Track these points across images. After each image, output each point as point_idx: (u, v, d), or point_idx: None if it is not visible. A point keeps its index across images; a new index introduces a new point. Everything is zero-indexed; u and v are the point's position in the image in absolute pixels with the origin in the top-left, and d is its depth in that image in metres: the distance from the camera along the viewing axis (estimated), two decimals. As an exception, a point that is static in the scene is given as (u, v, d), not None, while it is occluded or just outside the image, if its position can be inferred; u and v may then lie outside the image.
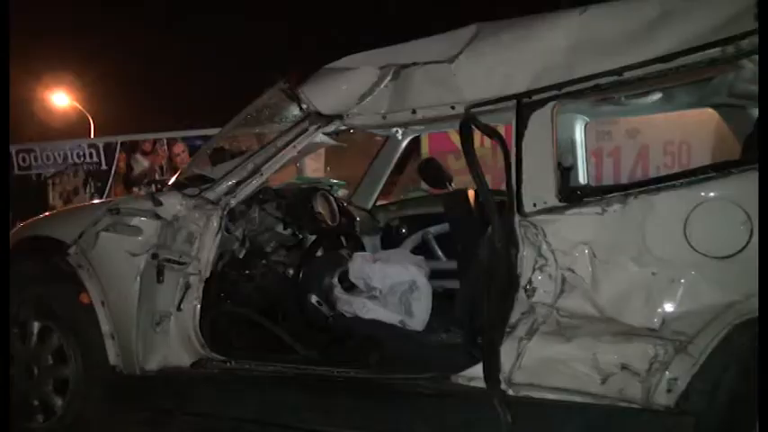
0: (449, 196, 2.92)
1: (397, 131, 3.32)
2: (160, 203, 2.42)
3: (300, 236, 2.80)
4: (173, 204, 2.44)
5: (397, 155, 3.54)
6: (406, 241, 3.33)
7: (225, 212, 2.47)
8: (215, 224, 2.43)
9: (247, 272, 2.59)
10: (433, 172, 3.03)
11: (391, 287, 2.30)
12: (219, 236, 2.45)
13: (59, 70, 23.34)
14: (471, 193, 2.80)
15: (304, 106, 2.57)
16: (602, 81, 2.01)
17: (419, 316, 2.26)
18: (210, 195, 2.49)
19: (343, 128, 2.70)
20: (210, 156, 2.71)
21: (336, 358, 2.26)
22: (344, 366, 2.17)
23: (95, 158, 9.96)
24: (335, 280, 2.41)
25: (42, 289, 2.56)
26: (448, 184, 3.04)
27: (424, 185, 3.72)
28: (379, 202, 3.60)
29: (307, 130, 2.55)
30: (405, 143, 3.49)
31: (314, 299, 2.39)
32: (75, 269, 2.42)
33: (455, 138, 6.41)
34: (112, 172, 9.87)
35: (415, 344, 2.22)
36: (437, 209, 3.29)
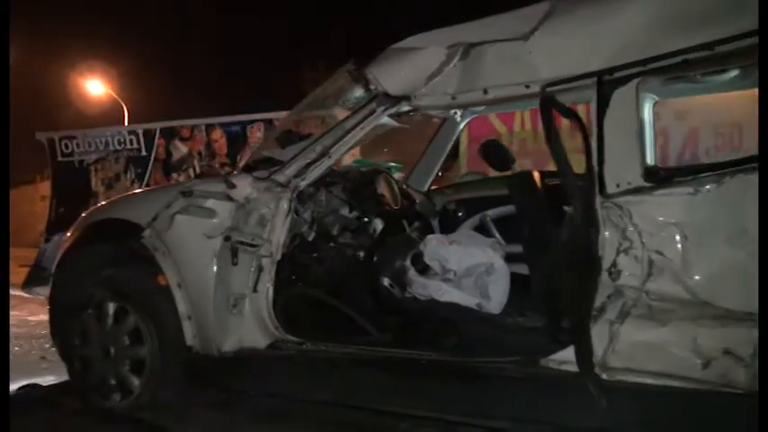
0: (514, 178, 2.85)
1: (456, 113, 3.26)
2: (233, 186, 2.40)
3: (365, 219, 2.77)
4: (244, 187, 2.43)
5: (455, 137, 3.48)
6: (463, 225, 3.28)
7: (294, 195, 2.45)
8: (285, 206, 2.41)
9: (317, 254, 2.58)
10: (496, 154, 2.96)
11: (467, 269, 2.25)
12: (289, 218, 2.43)
13: (95, 59, 23.64)
14: (537, 175, 2.73)
15: (372, 87, 2.52)
16: (692, 56, 1.93)
17: (496, 299, 2.21)
18: (280, 178, 2.47)
19: (410, 109, 2.65)
20: (279, 138, 2.69)
21: (412, 341, 2.23)
22: (422, 349, 2.14)
23: (135, 145, 10.06)
24: (408, 262, 2.38)
25: (117, 271, 2.57)
26: (511, 165, 2.98)
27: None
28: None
29: (374, 111, 2.50)
30: (463, 125, 3.43)
31: (386, 281, 2.36)
32: (151, 251, 2.42)
33: (496, 123, 6.31)
34: (152, 158, 9.97)
35: (494, 327, 2.17)
36: (495, 192, 3.23)
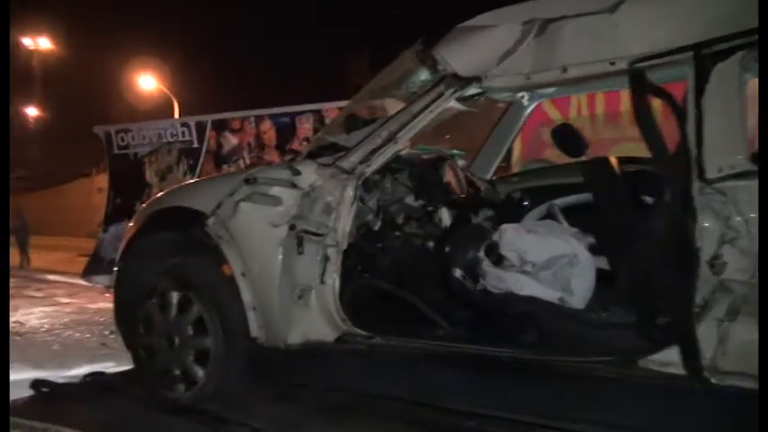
0: (591, 165, 2.67)
1: (523, 96, 3.09)
2: (298, 172, 2.31)
3: (430, 207, 2.64)
4: (309, 174, 2.34)
5: (521, 122, 3.31)
6: (528, 214, 3.11)
7: (360, 182, 2.35)
8: (350, 194, 2.31)
9: (383, 244, 2.47)
10: (570, 138, 2.78)
11: (548, 261, 2.10)
12: (355, 206, 2.33)
13: (146, 55, 24.24)
14: (614, 161, 2.55)
15: (440, 68, 2.39)
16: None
17: (580, 293, 2.05)
18: (345, 164, 2.36)
19: (479, 91, 2.51)
20: (344, 123, 2.58)
21: (487, 336, 2.09)
22: (498, 345, 2.01)
23: (187, 137, 10.21)
24: (482, 253, 2.24)
25: (181, 259, 2.52)
26: (585, 151, 2.79)
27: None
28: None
29: (442, 94, 2.37)
30: (530, 109, 3.25)
31: (458, 273, 2.23)
32: (215, 240, 2.36)
33: (550, 111, 6.05)
34: (203, 150, 10.09)
35: (578, 323, 2.01)
36: (563, 180, 3.05)
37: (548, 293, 2.05)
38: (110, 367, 6.89)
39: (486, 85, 2.38)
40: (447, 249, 2.27)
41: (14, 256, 17.46)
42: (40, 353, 7.73)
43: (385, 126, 2.38)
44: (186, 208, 2.51)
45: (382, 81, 2.65)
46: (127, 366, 6.83)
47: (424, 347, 2.08)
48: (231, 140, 9.95)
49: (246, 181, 2.34)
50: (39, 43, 42.63)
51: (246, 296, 2.31)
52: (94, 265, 10.53)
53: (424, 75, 2.58)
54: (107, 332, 8.91)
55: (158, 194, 2.85)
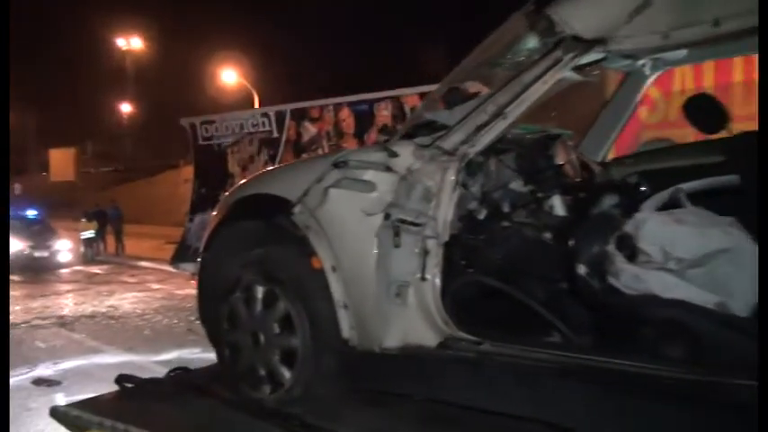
0: (736, 141, 2.22)
1: (644, 64, 2.64)
2: (395, 154, 2.03)
3: (540, 193, 2.29)
4: (406, 156, 2.05)
5: (641, 94, 2.86)
6: (647, 201, 2.68)
7: (462, 165, 2.04)
8: (452, 178, 2.01)
9: (489, 236, 2.15)
10: (708, 111, 2.33)
11: (702, 257, 1.70)
12: (457, 192, 2.03)
13: (228, 50, 24.90)
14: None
15: (558, 30, 2.02)
16: None
17: (743, 297, 1.65)
18: (446, 144, 2.06)
19: (601, 57, 2.12)
20: (444, 98, 2.27)
21: (621, 348, 1.73)
22: (636, 359, 1.65)
23: (267, 127, 10.25)
24: (613, 247, 1.87)
25: (266, 251, 2.31)
26: (726, 126, 2.33)
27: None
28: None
29: (560, 60, 2.00)
30: (651, 80, 2.81)
31: (583, 270, 1.88)
32: (302, 230, 2.13)
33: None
34: (283, 139, 10.11)
35: (742, 335, 1.62)
36: (690, 161, 2.59)
37: (701, 296, 1.66)
38: (196, 353, 7.00)
39: (612, 48, 2.00)
40: (571, 242, 1.92)
41: (111, 244, 18.50)
42: (133, 337, 8.01)
43: (492, 99, 2.05)
44: (271, 195, 2.29)
45: (486, 50, 2.32)
46: (212, 354, 6.87)
47: (544, 358, 1.75)
48: (310, 129, 9.88)
49: (336, 165, 2.09)
50: (131, 43, 45.05)
51: (337, 293, 2.06)
52: (182, 253, 10.85)
53: (534, 41, 2.22)
54: (193, 318, 9.13)
55: (241, 182, 2.66)
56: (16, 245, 14.61)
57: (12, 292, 11.32)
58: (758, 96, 1.56)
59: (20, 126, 50.58)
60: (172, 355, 6.71)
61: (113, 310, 9.58)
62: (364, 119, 9.41)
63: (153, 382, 2.58)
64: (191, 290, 11.65)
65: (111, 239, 18.28)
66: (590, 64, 2.21)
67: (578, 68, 2.17)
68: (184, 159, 36.30)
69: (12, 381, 5.75)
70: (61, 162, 49.73)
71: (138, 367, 6.21)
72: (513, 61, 2.30)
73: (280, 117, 10.18)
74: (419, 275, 1.97)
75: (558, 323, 1.85)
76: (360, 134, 9.40)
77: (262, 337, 2.26)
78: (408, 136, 2.16)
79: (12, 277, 13.41)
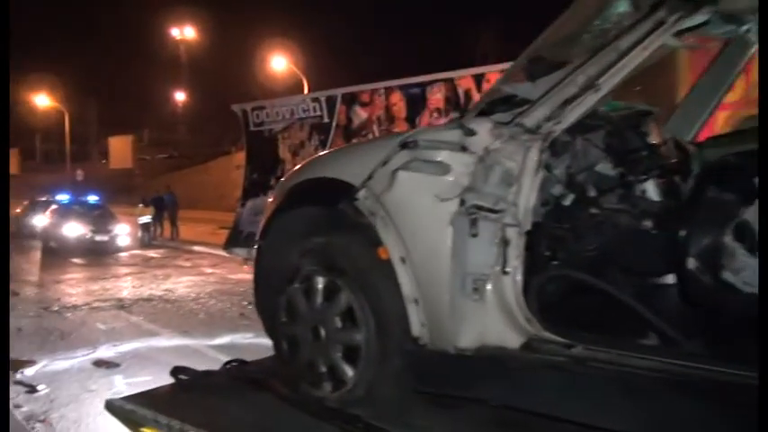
0: None
1: (749, 30, 2.32)
2: (472, 132, 1.80)
3: (632, 176, 2.02)
4: (484, 134, 1.82)
5: (741, 66, 2.53)
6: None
7: (547, 144, 1.79)
8: (535, 159, 1.77)
9: (575, 224, 1.91)
10: None
11: None
12: (540, 175, 1.79)
13: (279, 36, 24.99)
14: None
15: None
16: None
17: None
18: (528, 121, 1.82)
19: (707, 18, 1.83)
20: (526, 69, 2.01)
21: (743, 355, 1.47)
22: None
23: (318, 112, 10.14)
24: (730, 238, 1.60)
25: (327, 239, 2.13)
26: None
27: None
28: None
29: (663, 22, 1.73)
30: (754, 49, 2.47)
31: (693, 264, 1.61)
32: (367, 217, 1.94)
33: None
34: (333, 124, 9.99)
35: None
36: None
37: None
38: (249, 338, 6.99)
39: (726, 7, 1.71)
40: (681, 233, 1.65)
41: (166, 228, 18.97)
42: (188, 321, 8.10)
43: (582, 70, 1.79)
44: (332, 179, 2.11)
45: (571, 17, 2.05)
46: (266, 339, 6.83)
47: (650, 366, 1.50)
48: (361, 114, 9.71)
49: (404, 145, 1.88)
50: (185, 33, 45.99)
51: (406, 286, 1.86)
52: (234, 238, 10.93)
53: (626, 3, 1.95)
54: (246, 303, 9.18)
55: (299, 165, 2.48)
56: (78, 229, 15.14)
57: (73, 275, 11.71)
58: (759, 96, 1.47)
59: (82, 116, 52.64)
60: (225, 340, 6.72)
61: (169, 293, 9.73)
62: (416, 102, 9.16)
63: (209, 374, 2.46)
64: (243, 274, 11.78)
65: (166, 224, 18.72)
66: (691, 29, 1.92)
67: (678, 34, 1.88)
68: (236, 146, 36.97)
69: (73, 362, 5.88)
70: (120, 150, 51.53)
71: (193, 351, 6.24)
72: (601, 28, 2.03)
73: (330, 102, 10.05)
74: (499, 268, 1.75)
75: (664, 325, 1.60)
76: (411, 118, 9.16)
77: (322, 332, 2.09)
78: (485, 113, 1.93)
79: (74, 260, 13.90)
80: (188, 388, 2.29)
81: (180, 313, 8.26)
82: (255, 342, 6.86)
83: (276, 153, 10.63)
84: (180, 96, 49.11)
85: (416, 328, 1.86)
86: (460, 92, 8.73)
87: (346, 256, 2.05)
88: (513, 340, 1.73)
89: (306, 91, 21.11)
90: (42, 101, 44.36)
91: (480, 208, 1.78)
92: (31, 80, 45.05)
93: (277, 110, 10.59)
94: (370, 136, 9.58)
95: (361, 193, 1.96)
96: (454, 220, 1.77)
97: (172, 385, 2.36)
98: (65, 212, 16.19)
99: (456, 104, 8.74)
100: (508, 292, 1.74)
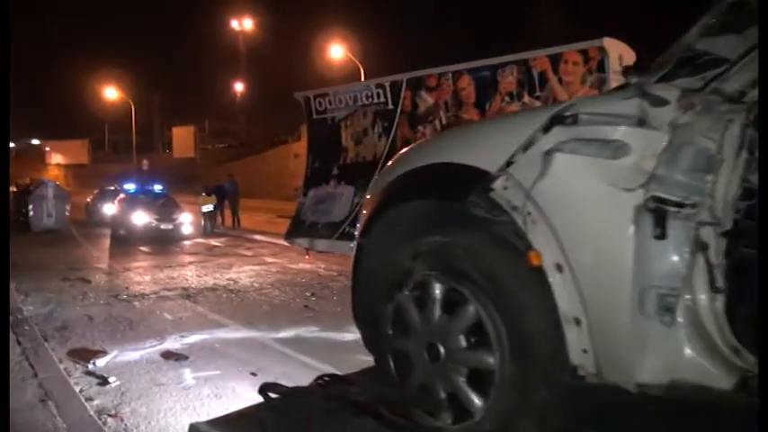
0: None
1: None
2: (661, 102, 1.37)
3: None
4: (670, 105, 1.38)
5: None
6: None
7: (752, 117, 1.34)
8: (737, 137, 1.32)
9: None
10: None
11: None
12: (744, 158, 1.34)
13: (335, 25, 24.76)
14: None
15: None
16: None
17: None
18: (728, 87, 1.37)
19: None
20: (724, 19, 1.54)
21: None
22: None
23: (382, 98, 9.75)
24: None
25: (447, 238, 1.73)
26: None
27: None
28: None
29: None
30: None
31: None
32: (508, 212, 1.53)
33: None
34: (398, 111, 9.58)
35: None
36: None
37: None
38: (314, 332, 6.73)
39: None
40: None
41: (227, 217, 19.14)
42: (252, 312, 7.94)
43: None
44: (454, 165, 1.71)
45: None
46: (332, 333, 6.53)
47: None
48: (427, 100, 9.25)
49: (560, 120, 1.46)
50: (243, 24, 46.58)
51: (564, 301, 1.44)
52: (296, 228, 10.72)
53: None
54: (308, 294, 8.97)
55: (406, 149, 2.09)
56: (143, 218, 15.40)
57: (140, 263, 11.84)
58: (759, 96, 1.30)
59: (147, 107, 54.39)
60: (290, 333, 6.49)
61: (232, 283, 9.63)
62: (486, 86, 8.61)
63: (301, 393, 2.12)
64: (304, 264, 11.61)
65: (227, 213, 18.88)
66: None
67: None
68: (293, 135, 37.23)
69: (142, 353, 5.76)
70: (182, 139, 52.96)
71: (259, 344, 6.03)
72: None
73: (395, 87, 9.63)
74: (693, 280, 1.32)
75: None
76: (481, 103, 8.64)
77: (441, 350, 1.70)
78: (666, 78, 1.47)
79: (140, 248, 14.12)
80: (279, 410, 1.94)
81: (244, 304, 8.11)
82: (321, 336, 6.61)
83: (339, 141, 10.29)
84: (239, 87, 49.88)
85: (576, 354, 1.44)
86: (535, 74, 8.14)
87: (474, 260, 1.64)
88: (718, 378, 1.29)
89: (363, 79, 20.78)
90: (111, 93, 45.98)
91: (666, 201, 1.34)
92: (101, 74, 46.81)
93: (340, 97, 10.25)
94: (436, 123, 9.14)
95: (499, 182, 1.55)
96: (634, 216, 1.34)
97: (260, 405, 2.03)
98: (131, 201, 16.52)
99: (530, 88, 8.17)
100: (707, 313, 1.30)
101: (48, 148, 69.03)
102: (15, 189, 26.71)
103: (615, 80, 7.68)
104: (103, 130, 64.00)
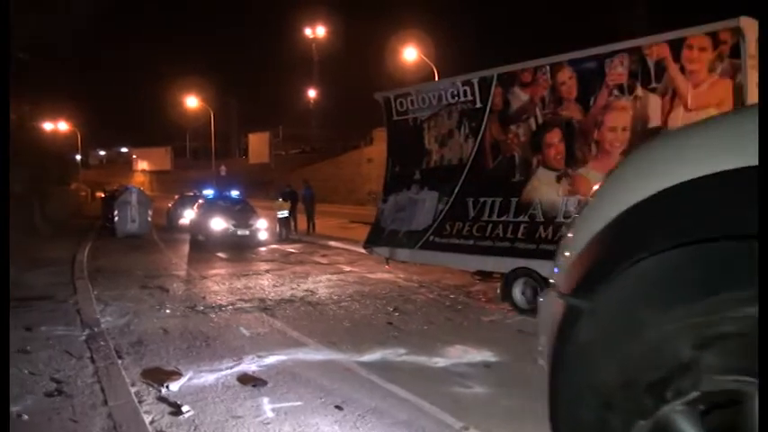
0: None
1: None
2: None
3: None
4: None
5: None
6: None
7: None
8: None
9: None
10: None
11: None
12: None
13: (408, 28, 24.15)
14: None
15: None
16: None
17: None
18: None
19: None
20: None
21: None
22: None
23: (469, 96, 8.93)
24: None
25: None
26: None
27: None
28: None
29: None
30: None
31: None
32: None
33: None
34: (487, 109, 8.73)
35: None
36: None
37: None
38: (402, 355, 5.99)
39: None
40: None
41: (302, 222, 18.89)
42: (333, 329, 7.31)
43: None
44: None
45: None
46: (421, 357, 5.72)
47: None
48: (520, 96, 8.33)
49: None
50: (316, 32, 47.03)
51: None
52: (375, 236, 10.09)
53: None
54: (390, 309, 8.27)
55: (630, 156, 1.28)
56: (221, 224, 15.31)
57: (217, 270, 11.59)
58: (759, 96, 1.11)
59: (225, 115, 56.11)
60: (376, 356, 5.80)
61: (310, 294, 9.10)
62: (591, 79, 7.61)
63: None
64: (382, 274, 10.94)
65: (301, 218, 18.62)
66: None
67: None
68: (365, 140, 36.96)
69: (218, 375, 5.25)
70: (258, 145, 54.20)
71: (343, 368, 5.38)
72: None
73: (484, 84, 8.78)
74: None
75: None
76: (584, 98, 7.63)
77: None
78: None
79: (218, 254, 13.97)
80: None
81: (323, 319, 7.52)
82: (409, 361, 5.86)
83: (421, 143, 9.57)
84: (312, 93, 50.39)
85: None
86: (650, 63, 7.05)
87: None
88: None
89: (436, 79, 19.96)
90: (191, 102, 47.60)
91: None
92: (183, 84, 48.60)
93: (423, 96, 9.52)
94: (531, 121, 8.20)
95: None
96: None
97: None
98: (210, 207, 16.53)
99: (644, 79, 7.09)
100: None
101: (134, 156, 72.86)
102: (103, 195, 27.89)
103: (752, 67, 6.50)
104: (185, 138, 66.68)
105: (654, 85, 6.96)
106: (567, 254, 1.25)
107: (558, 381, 1.16)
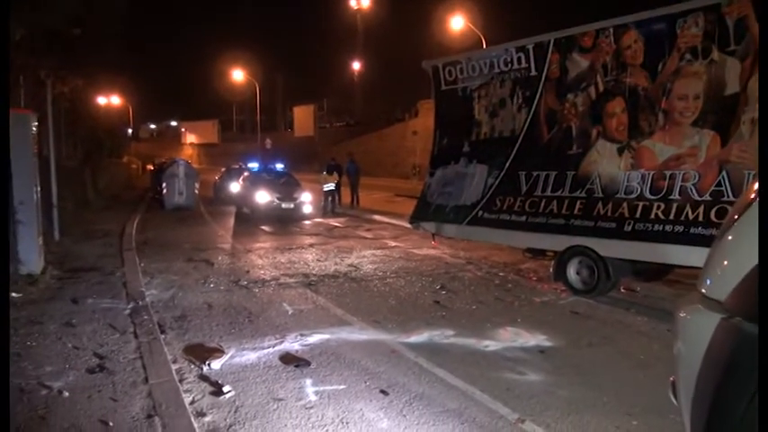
0: None
1: None
2: None
3: None
4: None
5: None
6: None
7: None
8: None
9: None
10: None
11: None
12: None
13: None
14: None
15: None
16: None
17: None
18: None
19: None
20: None
21: None
22: None
23: (524, 63, 8.36)
24: None
25: None
26: None
27: None
28: None
29: None
30: None
31: None
32: None
33: None
34: (543, 77, 8.15)
35: None
36: None
37: None
38: (450, 336, 5.68)
39: None
40: None
41: (346, 196, 18.71)
42: (378, 307, 7.05)
43: None
44: None
45: None
46: (470, 339, 5.39)
47: None
48: (580, 62, 7.71)
49: None
50: (361, 2, 46.22)
51: None
52: (421, 212, 9.72)
53: None
54: (437, 286, 7.96)
55: None
56: (266, 197, 15.27)
57: (262, 244, 11.53)
58: (759, 96, 0.32)
59: (270, 88, 56.30)
60: (423, 337, 5.52)
61: (354, 270, 8.89)
62: (659, 42, 6.94)
63: None
64: (428, 250, 10.59)
65: (345, 191, 18.43)
66: None
67: None
68: (409, 113, 36.32)
69: (260, 354, 5.08)
70: (302, 118, 54.27)
71: (388, 350, 5.13)
72: None
73: (540, 50, 8.19)
74: None
75: None
76: (651, 64, 6.99)
77: None
78: None
79: (263, 227, 13.94)
80: None
81: (368, 296, 7.29)
82: (458, 343, 5.53)
83: (471, 114, 9.08)
84: (356, 65, 49.80)
85: None
86: (729, 23, 6.35)
87: None
88: None
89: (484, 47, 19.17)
90: (238, 76, 47.89)
91: None
92: (230, 58, 48.95)
93: (473, 64, 9.00)
94: (591, 90, 7.60)
95: None
96: None
97: None
98: (255, 180, 16.52)
99: (721, 41, 6.40)
100: None
101: (183, 129, 74.34)
102: (152, 167, 28.45)
103: None
104: (231, 111, 67.48)
105: (733, 47, 6.26)
106: (726, 263, 0.90)
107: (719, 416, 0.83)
